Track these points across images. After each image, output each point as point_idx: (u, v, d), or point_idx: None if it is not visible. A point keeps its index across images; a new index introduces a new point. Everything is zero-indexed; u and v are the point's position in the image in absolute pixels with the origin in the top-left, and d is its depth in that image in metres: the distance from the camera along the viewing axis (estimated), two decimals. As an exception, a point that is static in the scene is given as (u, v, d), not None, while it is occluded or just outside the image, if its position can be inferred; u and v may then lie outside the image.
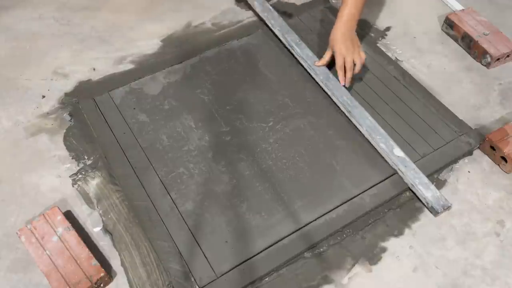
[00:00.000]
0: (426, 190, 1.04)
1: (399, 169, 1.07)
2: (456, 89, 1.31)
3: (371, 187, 1.06)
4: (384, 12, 1.52)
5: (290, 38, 1.31)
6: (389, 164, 1.09)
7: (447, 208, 1.03)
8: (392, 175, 1.09)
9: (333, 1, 1.54)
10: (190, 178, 1.07)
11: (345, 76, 1.21)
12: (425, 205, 1.05)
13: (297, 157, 1.12)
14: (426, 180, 1.05)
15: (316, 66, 1.24)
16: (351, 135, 1.16)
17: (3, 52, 1.37)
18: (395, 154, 1.08)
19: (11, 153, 1.14)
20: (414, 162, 1.10)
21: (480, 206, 1.07)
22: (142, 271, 0.95)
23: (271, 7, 1.40)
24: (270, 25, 1.37)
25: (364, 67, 1.32)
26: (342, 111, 1.19)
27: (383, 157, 1.11)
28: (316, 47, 1.34)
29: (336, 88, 1.20)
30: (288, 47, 1.32)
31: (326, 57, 1.24)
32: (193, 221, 1.01)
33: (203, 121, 1.18)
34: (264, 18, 1.38)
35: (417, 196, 1.06)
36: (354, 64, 1.20)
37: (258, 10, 1.41)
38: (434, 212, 1.03)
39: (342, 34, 1.18)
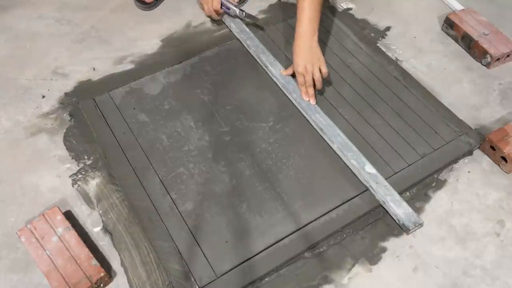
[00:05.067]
0: (397, 207, 1.01)
1: (370, 186, 1.04)
2: (456, 89, 1.31)
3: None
4: (384, 12, 1.52)
5: (265, 59, 1.28)
6: (360, 180, 1.07)
7: (418, 225, 1.00)
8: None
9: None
10: (190, 178, 1.07)
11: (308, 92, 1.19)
12: (396, 222, 1.02)
13: (297, 157, 1.12)
14: (397, 197, 1.02)
15: (288, 84, 1.22)
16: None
17: (3, 52, 1.37)
18: (367, 170, 1.06)
19: (11, 153, 1.14)
20: (414, 162, 1.11)
21: (480, 206, 1.07)
22: (142, 271, 0.95)
23: (247, 28, 1.38)
24: (246, 45, 1.34)
25: (364, 67, 1.32)
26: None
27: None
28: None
29: (309, 107, 1.18)
30: (263, 67, 1.29)
31: (289, 70, 1.23)
32: (193, 221, 1.01)
33: (203, 121, 1.18)
34: (241, 39, 1.36)
35: (388, 213, 1.03)
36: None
37: (235, 32, 1.38)
38: (406, 229, 1.00)
39: (300, 52, 1.16)
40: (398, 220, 1.01)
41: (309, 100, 1.19)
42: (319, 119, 1.16)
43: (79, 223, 1.03)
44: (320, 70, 1.17)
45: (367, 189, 1.06)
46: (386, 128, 1.18)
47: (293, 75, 1.22)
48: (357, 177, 1.08)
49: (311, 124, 1.18)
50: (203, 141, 1.14)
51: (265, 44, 1.34)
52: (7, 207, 1.05)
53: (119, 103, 1.22)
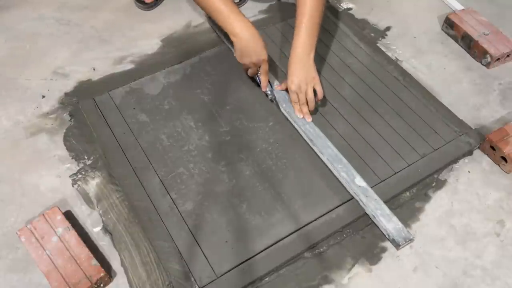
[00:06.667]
0: (387, 222, 0.99)
1: (360, 199, 1.02)
2: (456, 89, 1.31)
3: (374, 186, 1.07)
4: (384, 12, 1.52)
5: None
6: (349, 193, 1.05)
7: (409, 241, 0.98)
8: (396, 173, 1.09)
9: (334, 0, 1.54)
10: (190, 178, 1.07)
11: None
12: (386, 237, 1.00)
13: (297, 157, 1.12)
14: (387, 211, 1.00)
15: (278, 93, 1.20)
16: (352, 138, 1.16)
17: (3, 52, 1.37)
18: (356, 183, 1.04)
19: (11, 153, 1.14)
20: (414, 162, 1.11)
21: (480, 206, 1.07)
22: (142, 271, 0.95)
23: None
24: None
25: (364, 67, 1.32)
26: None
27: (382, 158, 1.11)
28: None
29: (299, 118, 1.15)
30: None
31: (284, 86, 1.20)
32: (193, 221, 1.01)
33: (203, 121, 1.18)
34: (230, 47, 1.30)
35: (378, 227, 1.01)
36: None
37: (224, 39, 1.35)
38: (396, 244, 0.98)
39: (294, 70, 1.13)
40: (388, 235, 0.99)
41: (303, 117, 1.16)
42: (309, 130, 1.13)
43: (79, 223, 1.03)
44: (314, 89, 1.14)
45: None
46: (386, 128, 1.18)
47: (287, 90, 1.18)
48: (347, 190, 1.05)
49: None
50: (203, 141, 1.14)
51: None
52: (7, 207, 1.05)
53: (119, 103, 1.22)
